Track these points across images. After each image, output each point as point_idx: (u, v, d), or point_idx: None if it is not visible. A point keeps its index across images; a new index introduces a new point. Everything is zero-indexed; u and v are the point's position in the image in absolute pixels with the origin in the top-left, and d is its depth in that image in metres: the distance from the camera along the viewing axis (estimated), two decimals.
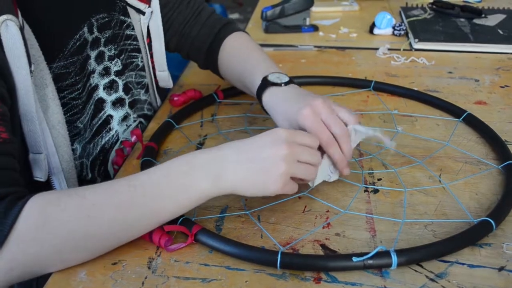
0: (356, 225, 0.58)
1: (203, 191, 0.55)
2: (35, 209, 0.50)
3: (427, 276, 0.51)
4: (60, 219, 0.50)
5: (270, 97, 0.69)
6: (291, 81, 0.70)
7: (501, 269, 0.51)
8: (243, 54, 0.80)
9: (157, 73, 0.85)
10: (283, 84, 0.69)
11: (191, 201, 0.55)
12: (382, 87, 0.91)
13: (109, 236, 0.52)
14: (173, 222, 0.56)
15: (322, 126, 0.61)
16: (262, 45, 1.14)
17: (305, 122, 0.61)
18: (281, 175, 0.54)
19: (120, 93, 0.77)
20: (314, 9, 1.32)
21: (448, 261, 0.52)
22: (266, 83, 0.69)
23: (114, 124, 0.76)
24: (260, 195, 0.55)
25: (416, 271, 0.51)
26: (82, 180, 0.72)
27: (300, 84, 0.93)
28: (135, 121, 0.81)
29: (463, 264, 0.52)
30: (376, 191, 0.64)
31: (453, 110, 0.81)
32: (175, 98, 0.86)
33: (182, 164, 0.55)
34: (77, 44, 0.68)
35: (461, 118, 0.79)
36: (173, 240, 0.56)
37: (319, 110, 0.61)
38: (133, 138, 0.76)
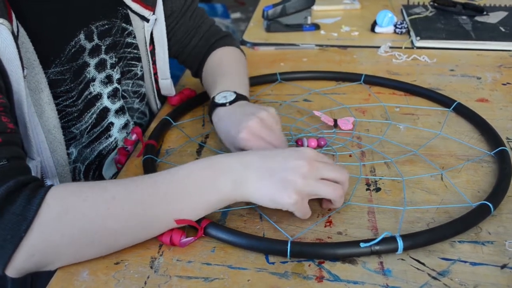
0: (358, 223, 0.58)
1: (224, 195, 0.55)
2: (58, 198, 0.50)
3: (429, 274, 0.51)
4: (81, 210, 0.50)
5: (215, 120, 0.70)
6: (238, 98, 0.70)
7: (503, 266, 0.51)
8: (216, 69, 0.81)
9: (160, 80, 0.85)
10: (227, 104, 0.69)
11: (209, 203, 0.55)
12: (372, 80, 0.92)
13: (125, 232, 0.52)
14: None
15: (263, 144, 0.63)
16: (264, 44, 1.14)
17: (246, 146, 0.63)
18: (297, 190, 0.53)
19: (122, 100, 0.77)
20: (315, 7, 1.31)
21: (451, 259, 0.52)
22: (212, 105, 0.71)
23: (114, 132, 0.76)
24: (272, 207, 0.54)
25: (418, 269, 0.51)
26: None
27: (290, 80, 0.94)
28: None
29: (465, 261, 0.52)
30: (378, 189, 0.64)
31: (444, 101, 0.84)
32: (173, 99, 0.87)
33: (204, 168, 0.55)
34: (73, 50, 0.67)
35: (451, 108, 0.81)
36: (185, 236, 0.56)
37: (257, 131, 0.63)
38: (134, 136, 0.76)
